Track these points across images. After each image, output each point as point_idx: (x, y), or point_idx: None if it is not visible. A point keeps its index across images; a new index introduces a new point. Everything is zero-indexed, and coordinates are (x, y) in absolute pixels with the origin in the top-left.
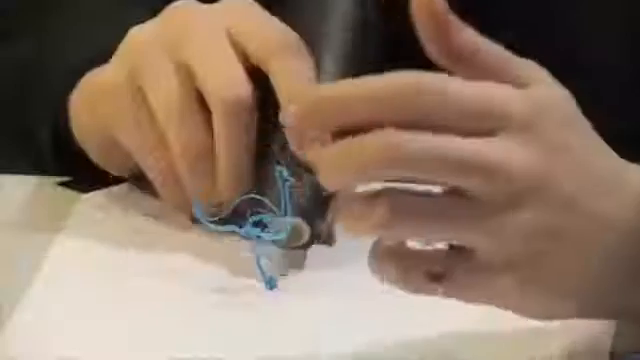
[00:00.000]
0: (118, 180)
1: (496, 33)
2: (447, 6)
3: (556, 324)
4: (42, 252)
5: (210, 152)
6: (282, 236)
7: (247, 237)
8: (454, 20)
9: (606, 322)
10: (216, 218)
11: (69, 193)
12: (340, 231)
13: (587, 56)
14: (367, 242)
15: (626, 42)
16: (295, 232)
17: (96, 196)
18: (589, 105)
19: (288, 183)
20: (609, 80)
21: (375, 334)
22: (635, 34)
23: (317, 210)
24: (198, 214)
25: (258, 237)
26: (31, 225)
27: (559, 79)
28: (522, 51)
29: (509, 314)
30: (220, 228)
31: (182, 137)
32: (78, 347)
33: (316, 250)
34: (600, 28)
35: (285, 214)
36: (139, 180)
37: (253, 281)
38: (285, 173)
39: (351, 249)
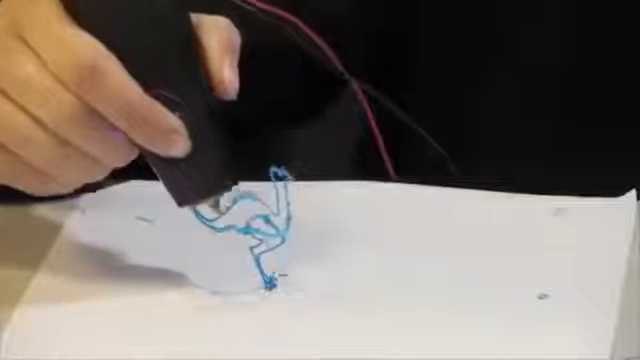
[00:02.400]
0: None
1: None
2: None
3: (554, 331)
4: (41, 252)
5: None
6: (281, 235)
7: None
8: None
9: (605, 326)
10: (215, 218)
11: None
12: (339, 230)
13: (523, 55)
14: (368, 244)
15: (561, 41)
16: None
17: (95, 196)
18: (525, 103)
19: (286, 182)
20: (543, 79)
21: (375, 334)
22: (570, 34)
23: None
24: (197, 214)
25: (257, 237)
26: (30, 226)
27: (494, 78)
28: (459, 49)
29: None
30: (219, 228)
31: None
32: (77, 348)
33: (316, 250)
34: (538, 27)
35: (279, 213)
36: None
37: (252, 281)
38: (282, 172)
39: (351, 249)
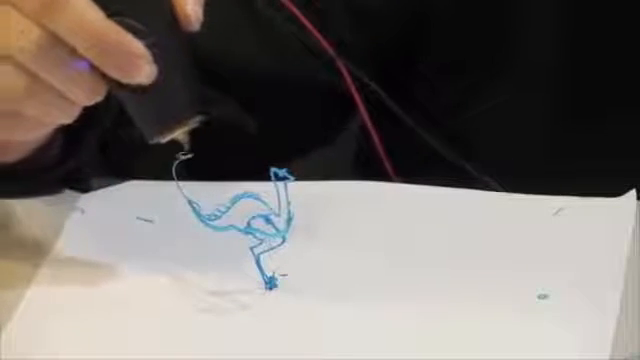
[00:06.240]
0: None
1: (430, 29)
2: None
3: (554, 331)
4: (41, 252)
5: None
6: (282, 235)
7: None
8: None
9: (605, 326)
10: (215, 218)
11: (68, 193)
12: (339, 230)
13: (522, 56)
14: (368, 243)
15: (559, 40)
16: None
17: (95, 196)
18: (525, 103)
19: (287, 181)
20: (543, 78)
21: (375, 333)
22: (568, 33)
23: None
24: (197, 214)
25: (258, 237)
26: (30, 226)
27: (493, 78)
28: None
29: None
30: (220, 227)
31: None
32: (76, 348)
33: (316, 250)
34: (538, 27)
35: (278, 212)
36: None
37: (252, 281)
38: (282, 173)
39: (351, 249)
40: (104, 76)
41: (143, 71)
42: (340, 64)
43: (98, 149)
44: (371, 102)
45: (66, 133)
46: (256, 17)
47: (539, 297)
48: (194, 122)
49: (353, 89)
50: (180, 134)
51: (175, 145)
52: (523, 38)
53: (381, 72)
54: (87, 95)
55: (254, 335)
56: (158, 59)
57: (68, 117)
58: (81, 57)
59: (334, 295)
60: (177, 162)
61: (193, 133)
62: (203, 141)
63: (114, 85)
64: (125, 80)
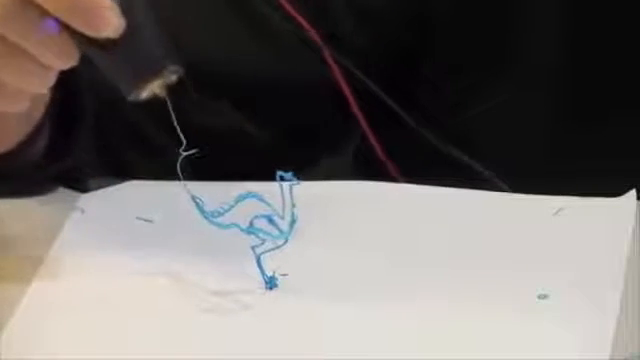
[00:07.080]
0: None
1: (432, 29)
2: None
3: (554, 331)
4: (41, 252)
5: None
6: (285, 237)
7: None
8: None
9: (605, 326)
10: (218, 215)
11: (68, 192)
12: (340, 230)
13: (523, 56)
14: (368, 243)
15: (561, 41)
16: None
17: (95, 196)
18: (525, 103)
19: (290, 184)
20: (544, 79)
21: (375, 334)
22: (570, 33)
23: None
24: (201, 211)
25: (260, 237)
26: (30, 226)
27: (494, 78)
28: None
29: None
30: (222, 225)
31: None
32: (76, 348)
33: (317, 250)
34: (538, 28)
35: (282, 214)
36: None
37: (253, 281)
38: (288, 176)
39: (352, 249)
40: (74, 35)
41: (111, 24)
42: (338, 64)
43: (97, 149)
44: (372, 102)
45: (57, 131)
46: (254, 17)
47: (539, 297)
48: (170, 72)
49: (352, 90)
50: (157, 87)
51: (173, 143)
52: (525, 38)
53: (382, 72)
54: (60, 58)
55: (254, 335)
56: (126, 12)
57: (44, 84)
58: (49, 17)
59: (335, 295)
60: (181, 158)
61: (195, 135)
62: (205, 142)
63: (85, 43)
64: (95, 34)
